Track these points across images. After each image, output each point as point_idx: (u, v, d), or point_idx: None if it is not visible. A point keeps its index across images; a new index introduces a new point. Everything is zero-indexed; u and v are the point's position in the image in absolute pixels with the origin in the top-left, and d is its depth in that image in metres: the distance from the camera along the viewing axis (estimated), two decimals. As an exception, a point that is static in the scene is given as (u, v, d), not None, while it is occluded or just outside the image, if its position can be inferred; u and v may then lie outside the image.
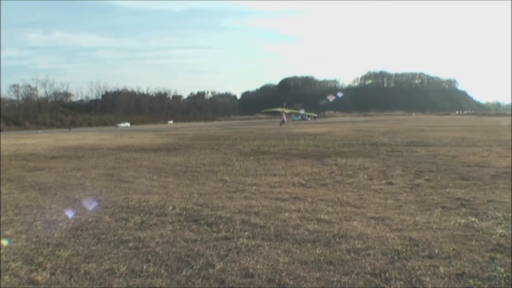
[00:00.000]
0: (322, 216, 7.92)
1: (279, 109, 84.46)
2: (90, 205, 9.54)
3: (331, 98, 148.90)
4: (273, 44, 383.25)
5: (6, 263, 6.02)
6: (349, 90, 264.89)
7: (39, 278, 5.41)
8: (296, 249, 6.15)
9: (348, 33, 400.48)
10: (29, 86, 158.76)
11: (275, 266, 5.52)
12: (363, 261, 5.59)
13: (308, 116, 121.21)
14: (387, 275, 5.11)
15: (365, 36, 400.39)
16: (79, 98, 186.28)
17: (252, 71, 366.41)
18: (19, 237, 7.33)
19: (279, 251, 6.09)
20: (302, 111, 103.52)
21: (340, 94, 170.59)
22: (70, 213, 8.96)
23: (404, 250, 5.93)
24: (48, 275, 5.50)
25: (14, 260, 6.12)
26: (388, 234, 6.71)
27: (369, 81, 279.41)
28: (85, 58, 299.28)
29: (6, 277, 5.52)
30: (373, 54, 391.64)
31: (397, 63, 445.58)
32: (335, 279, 5.07)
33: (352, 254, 5.86)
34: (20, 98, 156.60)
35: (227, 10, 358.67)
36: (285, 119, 76.60)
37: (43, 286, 5.21)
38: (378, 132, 37.47)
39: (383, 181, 11.81)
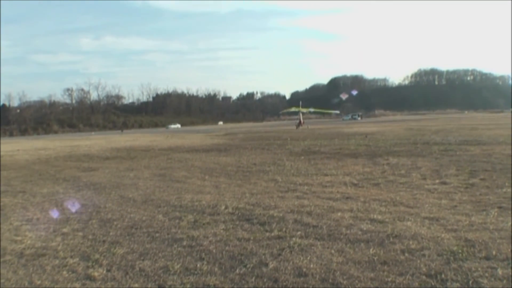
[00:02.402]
0: (375, 216, 7.82)
1: (294, 109, 79.21)
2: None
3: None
4: (319, 43, 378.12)
5: (64, 259, 6.26)
6: (399, 89, 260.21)
7: (96, 274, 5.58)
8: (349, 249, 6.10)
9: (396, 30, 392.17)
10: (82, 89, 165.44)
11: (328, 265, 5.49)
12: (418, 261, 5.49)
13: (357, 116, 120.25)
14: (443, 276, 5.00)
15: (415, 33, 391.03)
16: (130, 101, 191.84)
17: (300, 70, 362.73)
18: (76, 234, 7.60)
19: (332, 251, 6.06)
20: (311, 111, 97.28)
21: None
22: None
23: (460, 251, 5.78)
24: (105, 272, 5.67)
25: (71, 257, 6.35)
26: (443, 235, 6.56)
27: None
28: (135, 62, 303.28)
29: (64, 272, 5.73)
30: (423, 51, 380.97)
31: (448, 59, 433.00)
32: (389, 279, 5.00)
33: (406, 255, 5.76)
34: (73, 101, 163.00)
35: (273, 11, 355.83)
36: (301, 120, 66.65)
37: (99, 282, 5.36)
38: (430, 131, 36.61)
39: (437, 181, 11.53)
